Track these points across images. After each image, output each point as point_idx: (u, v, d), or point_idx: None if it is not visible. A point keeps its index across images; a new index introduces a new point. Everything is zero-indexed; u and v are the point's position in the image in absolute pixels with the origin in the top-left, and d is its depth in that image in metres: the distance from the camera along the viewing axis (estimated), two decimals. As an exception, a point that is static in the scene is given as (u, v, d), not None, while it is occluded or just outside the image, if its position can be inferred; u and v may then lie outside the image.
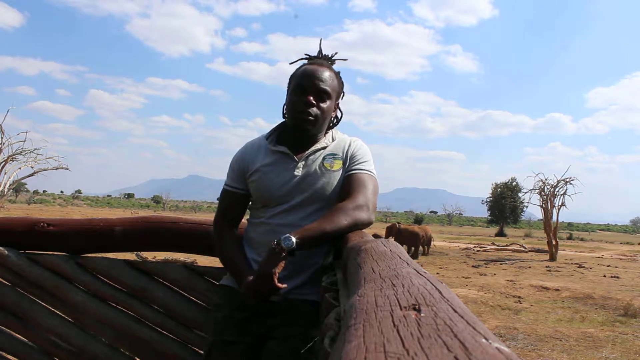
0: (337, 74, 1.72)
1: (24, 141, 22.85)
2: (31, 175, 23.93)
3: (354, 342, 0.44)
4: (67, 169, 24.46)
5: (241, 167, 1.72)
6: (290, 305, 1.64)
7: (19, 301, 2.30)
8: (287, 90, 1.70)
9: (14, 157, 22.61)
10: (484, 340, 0.42)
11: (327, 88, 1.64)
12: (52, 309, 2.30)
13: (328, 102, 1.65)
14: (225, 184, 1.77)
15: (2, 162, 21.97)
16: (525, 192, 22.26)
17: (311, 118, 1.62)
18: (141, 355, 2.25)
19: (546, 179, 19.59)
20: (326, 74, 1.65)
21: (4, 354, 2.34)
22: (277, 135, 1.73)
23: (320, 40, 1.78)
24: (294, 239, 1.43)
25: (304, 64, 1.71)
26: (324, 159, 1.67)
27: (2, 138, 22.17)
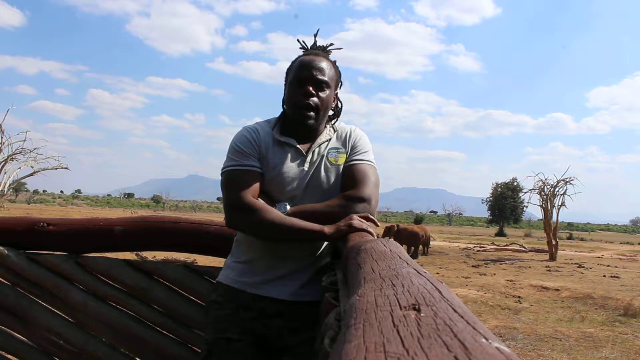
0: (334, 63, 1.70)
1: (24, 141, 22.90)
2: (31, 174, 23.96)
3: (354, 342, 0.44)
4: (67, 168, 24.49)
5: (255, 149, 1.62)
6: (297, 307, 1.64)
7: (19, 301, 2.30)
8: (285, 84, 1.68)
9: (14, 156, 22.63)
10: (484, 340, 0.42)
11: (325, 78, 1.62)
12: (52, 309, 2.30)
13: (327, 91, 1.63)
14: (242, 165, 1.60)
15: (2, 162, 21.97)
16: (525, 192, 22.28)
17: (312, 108, 1.60)
18: (141, 354, 2.25)
19: (546, 179, 19.61)
20: (323, 64, 1.64)
21: (4, 353, 2.34)
22: (280, 125, 1.69)
23: (317, 31, 1.76)
24: (288, 208, 1.57)
25: (300, 56, 1.69)
26: (328, 152, 1.66)
27: (2, 138, 22.18)
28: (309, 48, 1.74)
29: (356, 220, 1.48)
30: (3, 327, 2.33)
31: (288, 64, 1.71)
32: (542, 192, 19.47)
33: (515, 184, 43.04)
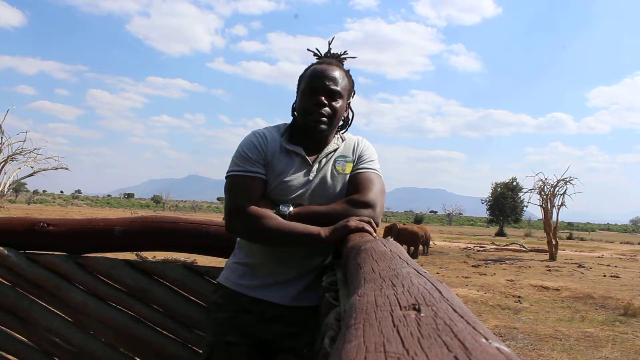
0: (347, 72, 1.68)
1: (24, 141, 22.89)
2: (31, 175, 23.95)
3: (354, 342, 0.44)
4: (66, 168, 24.48)
5: (260, 155, 1.62)
6: (297, 311, 1.63)
7: (19, 301, 2.30)
8: (297, 91, 1.67)
9: (13, 157, 22.63)
10: (484, 340, 0.42)
11: (338, 88, 1.61)
12: (52, 309, 2.30)
13: (340, 102, 1.62)
14: (246, 170, 1.59)
15: (2, 162, 21.97)
16: (525, 192, 22.31)
17: (324, 119, 1.59)
18: (141, 355, 2.25)
19: (546, 179, 19.62)
20: (336, 73, 1.62)
21: (4, 353, 2.34)
22: (290, 133, 1.67)
23: (332, 39, 1.74)
24: (291, 209, 1.55)
25: (313, 64, 1.67)
26: (335, 161, 1.65)
27: (2, 138, 22.18)
28: (323, 56, 1.72)
29: (353, 222, 1.46)
30: (3, 327, 2.33)
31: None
32: (542, 192, 19.48)
33: (515, 183, 43.02)
